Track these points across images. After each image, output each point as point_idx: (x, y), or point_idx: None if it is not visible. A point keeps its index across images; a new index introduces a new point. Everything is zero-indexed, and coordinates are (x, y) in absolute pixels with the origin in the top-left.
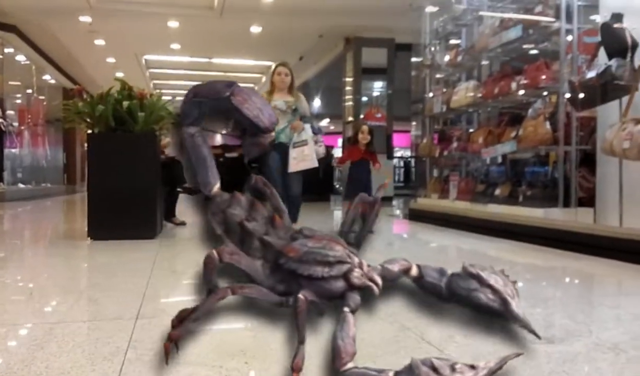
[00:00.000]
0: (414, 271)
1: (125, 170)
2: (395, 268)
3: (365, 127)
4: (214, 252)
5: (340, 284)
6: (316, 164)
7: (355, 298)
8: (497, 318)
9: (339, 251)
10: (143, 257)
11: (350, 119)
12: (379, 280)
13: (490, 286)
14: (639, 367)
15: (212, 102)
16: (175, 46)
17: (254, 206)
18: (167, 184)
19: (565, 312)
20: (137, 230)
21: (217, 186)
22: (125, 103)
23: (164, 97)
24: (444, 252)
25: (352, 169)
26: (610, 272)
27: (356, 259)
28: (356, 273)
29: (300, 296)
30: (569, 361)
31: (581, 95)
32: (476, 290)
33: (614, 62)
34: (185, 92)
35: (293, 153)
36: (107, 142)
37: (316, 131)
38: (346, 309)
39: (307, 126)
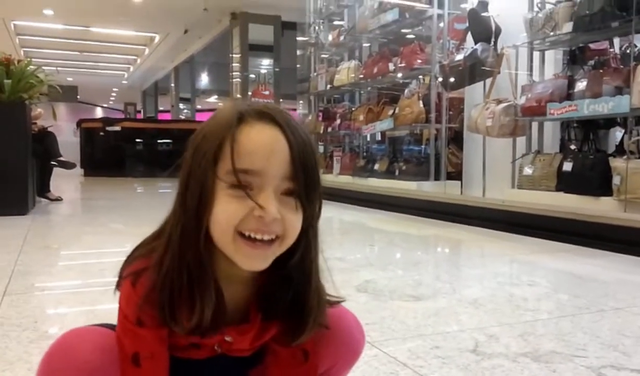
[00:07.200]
0: None
1: None
2: None
3: None
4: None
5: None
6: None
7: None
8: None
9: None
10: (12, 233)
11: (238, 96)
12: None
13: None
14: (495, 318)
15: None
16: (48, 12)
17: None
18: (40, 157)
19: (434, 274)
20: (5, 206)
21: None
22: None
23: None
24: (328, 223)
25: None
26: (474, 238)
27: None
28: None
29: None
30: (433, 315)
31: (451, 78)
32: None
33: (479, 47)
34: (60, 62)
35: None
36: None
37: None
38: None
39: None
